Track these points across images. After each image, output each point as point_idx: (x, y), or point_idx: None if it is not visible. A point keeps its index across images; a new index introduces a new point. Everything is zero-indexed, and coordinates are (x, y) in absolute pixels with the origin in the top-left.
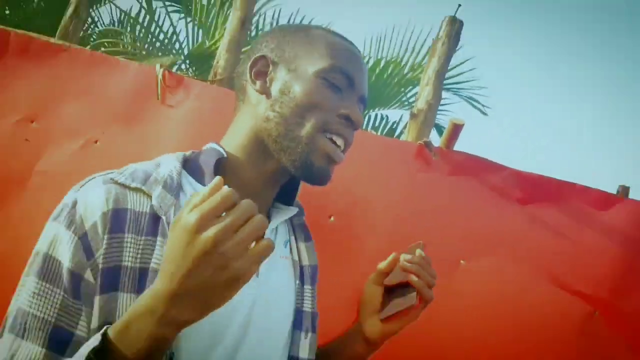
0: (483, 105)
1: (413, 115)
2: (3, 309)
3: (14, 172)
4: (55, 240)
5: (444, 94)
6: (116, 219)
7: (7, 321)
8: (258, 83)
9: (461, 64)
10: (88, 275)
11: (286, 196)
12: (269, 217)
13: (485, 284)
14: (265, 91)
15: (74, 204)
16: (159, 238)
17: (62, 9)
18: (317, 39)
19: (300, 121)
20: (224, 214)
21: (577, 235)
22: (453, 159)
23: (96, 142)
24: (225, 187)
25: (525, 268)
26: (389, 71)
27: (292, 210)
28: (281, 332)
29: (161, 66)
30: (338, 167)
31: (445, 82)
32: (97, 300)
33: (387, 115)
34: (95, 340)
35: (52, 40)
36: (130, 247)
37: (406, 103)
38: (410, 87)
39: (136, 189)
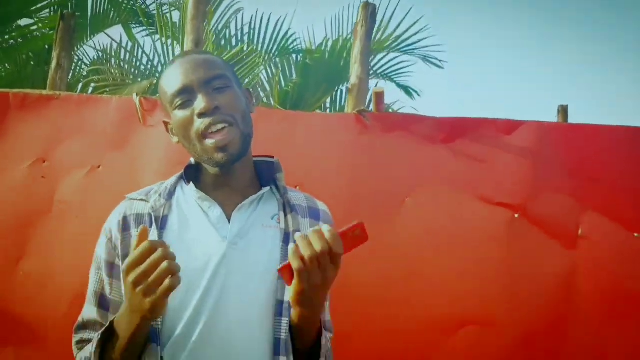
0: (440, 60)
1: (349, 90)
2: (42, 315)
3: (38, 206)
4: (100, 241)
5: (404, 57)
6: (126, 223)
7: (86, 303)
8: (173, 136)
9: (412, 26)
10: (117, 261)
11: (263, 180)
12: (245, 197)
13: (427, 214)
14: (174, 134)
15: (109, 219)
16: (152, 229)
17: (49, 56)
18: (160, 87)
19: (189, 144)
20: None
21: (492, 158)
22: (384, 120)
23: (99, 167)
24: (146, 241)
25: (456, 194)
26: (347, 47)
27: (262, 190)
28: (262, 284)
29: (137, 95)
30: (297, 144)
31: (400, 46)
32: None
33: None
34: (108, 324)
35: (43, 92)
36: (135, 238)
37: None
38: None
39: (140, 200)
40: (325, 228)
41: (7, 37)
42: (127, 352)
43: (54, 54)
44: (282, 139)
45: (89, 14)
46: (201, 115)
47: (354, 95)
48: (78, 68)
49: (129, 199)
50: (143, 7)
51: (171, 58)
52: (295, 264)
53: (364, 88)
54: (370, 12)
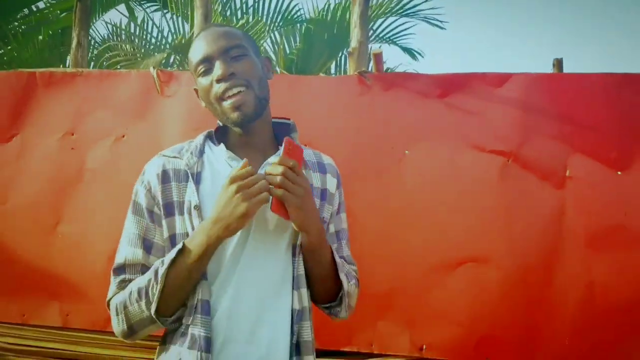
0: (441, 22)
1: (350, 54)
2: (81, 271)
3: (70, 175)
4: (137, 192)
5: (405, 19)
6: (165, 176)
7: (120, 241)
8: (201, 101)
9: None
10: (156, 209)
11: (280, 141)
12: (268, 154)
13: (426, 164)
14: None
15: (143, 172)
16: (189, 183)
17: (65, 39)
18: (189, 58)
19: (211, 107)
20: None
21: (484, 109)
22: (384, 79)
23: (123, 136)
24: (248, 167)
25: (453, 145)
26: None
27: (281, 149)
28: (281, 229)
29: (154, 67)
30: (305, 106)
31: (400, 9)
32: (164, 222)
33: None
34: (179, 245)
35: (68, 70)
36: (174, 190)
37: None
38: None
39: (173, 157)
40: (272, 160)
41: (22, 22)
42: (191, 275)
43: (74, 34)
44: (291, 101)
45: None
46: (218, 80)
47: (355, 58)
48: (90, 46)
49: (162, 156)
50: None
51: (179, 31)
52: (277, 193)
53: (364, 51)
54: None
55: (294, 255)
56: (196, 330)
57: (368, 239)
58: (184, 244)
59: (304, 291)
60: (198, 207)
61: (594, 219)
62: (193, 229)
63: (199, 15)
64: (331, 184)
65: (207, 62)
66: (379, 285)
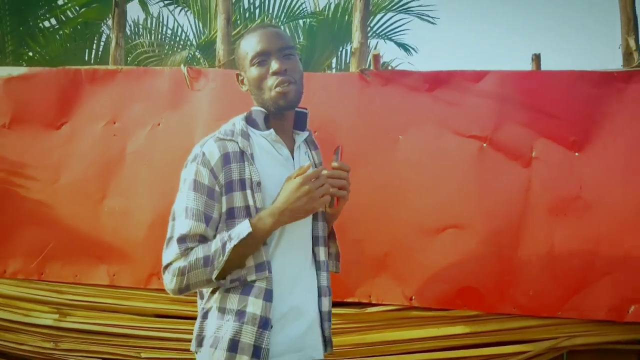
0: (433, 17)
1: (352, 53)
2: (125, 239)
3: (113, 157)
4: (198, 171)
5: (400, 17)
6: (226, 158)
7: (179, 213)
8: (242, 85)
9: None
10: (217, 188)
11: (299, 126)
12: (294, 140)
13: (416, 147)
14: (245, 86)
15: (203, 154)
16: (245, 163)
17: (85, 33)
18: (242, 48)
19: (259, 92)
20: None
21: (464, 101)
22: (382, 76)
23: (159, 124)
24: (318, 169)
25: (438, 130)
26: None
27: (305, 134)
28: None
29: (184, 65)
30: (313, 99)
31: (396, 6)
32: (223, 198)
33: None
34: (246, 223)
35: (109, 67)
36: (235, 170)
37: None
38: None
39: (229, 140)
40: (336, 165)
41: (43, 18)
42: (253, 248)
43: (112, 35)
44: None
45: None
46: (275, 73)
47: (357, 58)
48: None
49: (219, 139)
50: None
51: (197, 30)
52: (343, 194)
53: (365, 51)
54: None
55: (316, 219)
56: (263, 284)
57: (368, 208)
58: (251, 223)
59: (323, 248)
60: (259, 184)
61: (554, 192)
62: (254, 201)
63: (223, 19)
64: (320, 157)
65: (264, 55)
66: (376, 247)
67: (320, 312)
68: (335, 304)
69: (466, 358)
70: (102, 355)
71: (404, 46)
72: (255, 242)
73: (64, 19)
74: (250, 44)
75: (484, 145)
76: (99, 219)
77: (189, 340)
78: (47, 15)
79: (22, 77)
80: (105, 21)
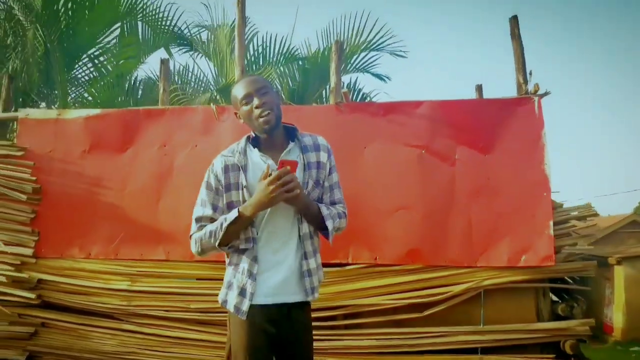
0: (403, 51)
1: (330, 91)
2: (175, 227)
3: (164, 171)
4: (209, 176)
5: (372, 53)
6: (226, 169)
7: (197, 203)
8: (240, 119)
9: (378, 31)
10: (220, 188)
11: (290, 138)
12: (284, 148)
13: (377, 155)
14: (241, 119)
15: (213, 164)
16: (240, 172)
17: (121, 81)
18: (233, 94)
19: (250, 123)
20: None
21: (408, 121)
22: (351, 106)
23: (196, 146)
24: (280, 170)
25: (391, 142)
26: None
27: (290, 145)
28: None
29: (213, 104)
30: (302, 124)
31: (371, 46)
32: (224, 194)
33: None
34: (235, 210)
35: (159, 107)
36: (231, 177)
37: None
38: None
39: (230, 156)
40: (283, 156)
41: (86, 69)
42: (242, 226)
43: (160, 85)
44: (297, 121)
45: (140, 39)
46: (257, 107)
47: (333, 94)
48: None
49: (222, 156)
50: (179, 31)
51: (215, 75)
52: (289, 196)
53: (339, 90)
54: (339, 47)
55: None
56: (250, 253)
57: (345, 193)
58: (239, 210)
59: (305, 225)
60: (245, 186)
61: (471, 182)
62: (242, 197)
63: (239, 70)
64: (323, 157)
65: (249, 97)
66: (351, 223)
67: (302, 270)
68: (324, 265)
69: (412, 298)
70: (163, 307)
71: (379, 76)
72: (242, 222)
73: (105, 72)
74: (238, 90)
75: (423, 152)
76: (156, 215)
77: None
78: (92, 69)
79: (98, 116)
80: (135, 69)
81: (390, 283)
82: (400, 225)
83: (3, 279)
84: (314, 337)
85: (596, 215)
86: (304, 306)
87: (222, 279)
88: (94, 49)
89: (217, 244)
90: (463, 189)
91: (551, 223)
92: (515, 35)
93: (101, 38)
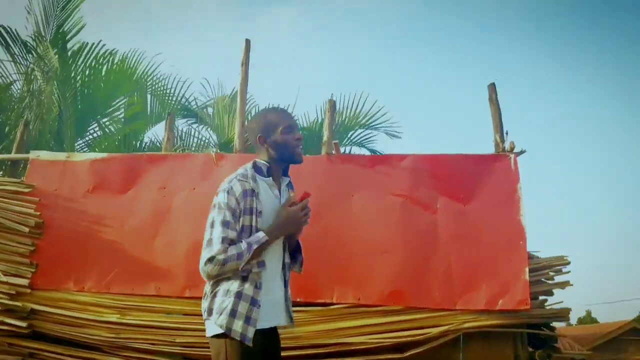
0: (397, 132)
1: (323, 144)
2: (170, 263)
3: (162, 211)
4: (228, 200)
5: (369, 130)
6: (245, 193)
7: (217, 224)
8: (261, 145)
9: (376, 112)
10: (238, 210)
11: (285, 173)
12: (281, 181)
13: (364, 202)
14: (264, 145)
15: (232, 188)
16: (255, 198)
17: (128, 139)
18: (270, 119)
19: (283, 150)
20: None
21: (393, 172)
22: (341, 158)
23: (194, 189)
24: (306, 199)
25: (376, 191)
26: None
27: (287, 179)
28: None
29: (213, 152)
30: (300, 169)
31: (367, 124)
32: (241, 217)
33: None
34: (261, 233)
35: (161, 153)
36: (248, 201)
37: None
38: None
39: (246, 181)
40: (292, 194)
41: (91, 130)
42: (264, 249)
43: (165, 134)
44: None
45: (148, 112)
46: (297, 139)
47: (325, 146)
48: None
49: (240, 180)
50: (185, 103)
51: (215, 136)
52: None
53: (331, 143)
54: (332, 105)
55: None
56: (256, 276)
57: (332, 241)
58: (267, 237)
59: (287, 254)
60: (260, 212)
61: (451, 230)
62: (255, 223)
63: (239, 124)
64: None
65: (292, 128)
66: (337, 266)
67: (286, 296)
68: (307, 304)
69: (394, 338)
70: (149, 341)
71: (374, 151)
72: (266, 246)
73: (114, 130)
74: (280, 118)
75: (406, 200)
76: (151, 251)
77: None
78: (105, 124)
79: (103, 159)
80: (145, 132)
81: (373, 323)
82: (384, 267)
83: None
84: None
85: (568, 269)
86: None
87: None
88: (104, 115)
89: (241, 266)
90: (444, 235)
91: (527, 269)
92: (493, 100)
93: (113, 103)
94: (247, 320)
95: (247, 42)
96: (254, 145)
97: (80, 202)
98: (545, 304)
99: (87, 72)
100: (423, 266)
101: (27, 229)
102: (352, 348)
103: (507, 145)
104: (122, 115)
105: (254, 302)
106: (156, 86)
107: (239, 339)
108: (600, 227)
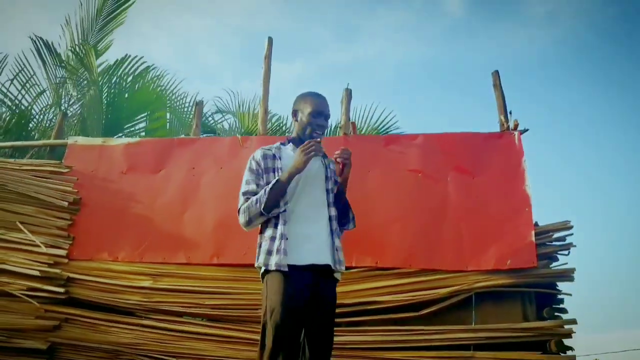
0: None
1: (340, 127)
2: (198, 234)
3: (191, 189)
4: (250, 164)
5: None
6: (264, 157)
7: (243, 183)
8: (293, 118)
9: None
10: (259, 170)
11: None
12: None
13: (380, 177)
14: (294, 119)
15: (254, 156)
16: (276, 160)
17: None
18: (307, 99)
19: (303, 128)
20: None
21: (406, 150)
22: (357, 138)
23: (221, 168)
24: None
25: (392, 167)
26: None
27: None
28: (319, 179)
29: (239, 134)
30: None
31: (378, 129)
32: (264, 176)
33: None
34: (275, 179)
35: (191, 136)
36: (269, 162)
37: None
38: None
39: (268, 150)
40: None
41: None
42: (281, 189)
43: (194, 121)
44: None
45: (167, 127)
46: (318, 125)
47: (342, 129)
48: None
49: (262, 149)
50: (203, 119)
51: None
52: (346, 162)
53: (347, 125)
54: (348, 93)
55: (327, 189)
56: (284, 216)
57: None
58: (277, 178)
59: (333, 209)
60: (280, 168)
61: (461, 200)
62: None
63: (262, 111)
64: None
65: (320, 115)
66: (355, 233)
67: (332, 244)
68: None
69: (410, 298)
70: (179, 303)
71: None
72: (280, 185)
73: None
74: (315, 103)
75: (419, 175)
76: (181, 224)
77: (235, 292)
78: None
79: (137, 143)
80: None
81: (390, 284)
82: (399, 234)
83: (37, 273)
84: None
85: (571, 227)
86: (332, 283)
87: (234, 280)
88: (126, 129)
89: (262, 208)
90: (454, 205)
91: (532, 232)
92: (497, 86)
93: (136, 118)
94: (279, 252)
95: (270, 39)
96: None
97: (115, 181)
98: (551, 265)
99: (118, 86)
100: (435, 232)
101: (65, 204)
102: (371, 307)
103: (511, 125)
104: (143, 130)
105: (282, 237)
106: (174, 102)
107: (274, 269)
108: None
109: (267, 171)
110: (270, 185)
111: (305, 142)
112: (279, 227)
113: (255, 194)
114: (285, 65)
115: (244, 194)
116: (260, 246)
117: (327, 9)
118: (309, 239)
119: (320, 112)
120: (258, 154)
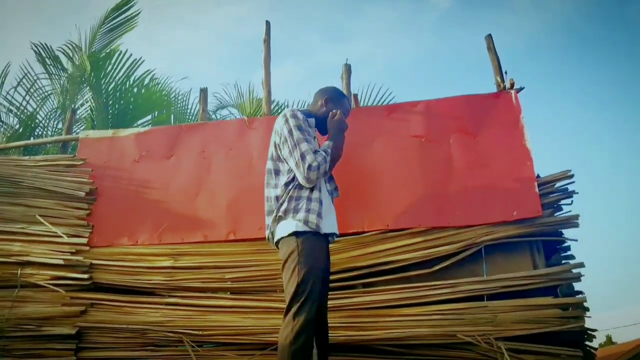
0: None
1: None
2: (211, 215)
3: (204, 169)
4: (298, 121)
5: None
6: (305, 120)
7: (302, 142)
8: (322, 104)
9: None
10: (308, 128)
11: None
12: None
13: (383, 145)
14: (324, 106)
15: (296, 115)
16: (310, 129)
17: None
18: (341, 98)
19: (324, 115)
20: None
21: (410, 118)
22: (360, 110)
23: (230, 149)
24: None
25: (395, 134)
26: None
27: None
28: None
29: (245, 116)
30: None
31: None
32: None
33: None
34: (325, 143)
35: (199, 122)
36: (308, 127)
37: None
38: None
39: (304, 117)
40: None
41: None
42: (335, 153)
43: (200, 105)
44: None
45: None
46: (340, 122)
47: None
48: None
49: (302, 112)
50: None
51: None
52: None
53: (349, 99)
54: (348, 68)
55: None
56: (319, 182)
57: (362, 179)
58: (329, 142)
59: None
60: (314, 138)
61: (464, 159)
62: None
63: (266, 92)
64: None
65: (346, 115)
66: (364, 199)
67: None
68: (341, 235)
69: (422, 256)
70: (200, 279)
71: None
72: (334, 150)
73: None
74: (346, 106)
75: (422, 140)
76: (196, 205)
77: (254, 265)
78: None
79: (146, 132)
80: None
81: (402, 244)
82: (407, 197)
83: (61, 261)
84: (337, 296)
85: (572, 175)
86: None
87: (252, 253)
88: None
89: (329, 159)
90: (458, 165)
91: (535, 183)
92: (491, 48)
93: (138, 122)
94: (319, 214)
95: (267, 23)
96: (315, 100)
97: (128, 170)
98: (556, 213)
99: (120, 86)
100: (442, 192)
101: (82, 194)
102: (384, 268)
103: (507, 84)
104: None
105: (320, 202)
106: (176, 105)
107: (314, 229)
108: None
109: (310, 134)
110: (329, 148)
111: (336, 115)
112: (317, 192)
113: (317, 151)
114: (273, 69)
115: (314, 151)
116: (292, 200)
117: (314, 11)
118: (330, 209)
119: (346, 110)
120: (299, 114)
